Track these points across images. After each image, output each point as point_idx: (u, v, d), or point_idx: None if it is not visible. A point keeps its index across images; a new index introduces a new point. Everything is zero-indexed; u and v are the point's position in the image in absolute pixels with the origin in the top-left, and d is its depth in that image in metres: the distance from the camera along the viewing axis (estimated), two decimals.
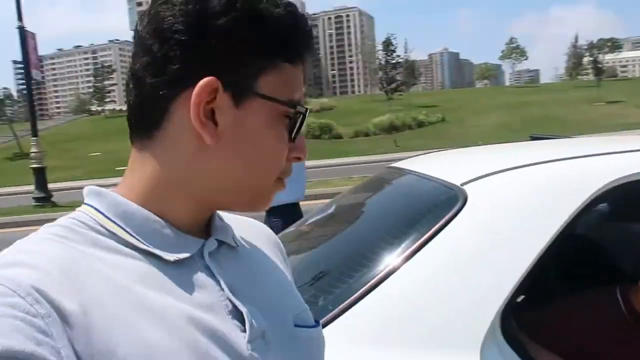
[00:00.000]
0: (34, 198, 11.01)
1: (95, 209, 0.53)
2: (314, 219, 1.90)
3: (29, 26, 11.67)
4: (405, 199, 1.57)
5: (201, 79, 0.50)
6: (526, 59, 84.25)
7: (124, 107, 0.59)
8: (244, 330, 0.53)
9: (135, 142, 0.55)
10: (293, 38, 0.54)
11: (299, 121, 0.56)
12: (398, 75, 38.66)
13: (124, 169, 0.57)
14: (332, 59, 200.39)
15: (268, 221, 4.11)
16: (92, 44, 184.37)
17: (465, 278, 1.05)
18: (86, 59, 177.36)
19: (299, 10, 0.56)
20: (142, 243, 0.52)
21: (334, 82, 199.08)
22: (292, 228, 1.94)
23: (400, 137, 27.81)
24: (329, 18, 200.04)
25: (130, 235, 0.52)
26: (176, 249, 0.53)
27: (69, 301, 0.44)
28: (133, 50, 0.54)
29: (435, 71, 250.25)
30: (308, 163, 20.37)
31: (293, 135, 0.55)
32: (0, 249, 0.52)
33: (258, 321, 0.54)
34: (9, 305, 0.42)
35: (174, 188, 0.54)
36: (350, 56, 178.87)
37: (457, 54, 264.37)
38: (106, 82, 67.05)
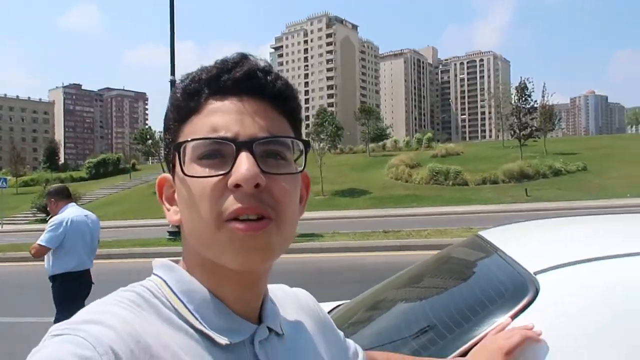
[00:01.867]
0: (168, 232, 12.12)
1: (165, 281, 0.58)
2: (401, 275, 1.89)
3: None
4: (479, 278, 1.40)
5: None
6: None
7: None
8: None
9: None
10: (190, 97, 0.58)
11: (209, 151, 0.55)
12: (533, 121, 36.33)
13: None
14: (463, 104, 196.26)
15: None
16: None
17: None
18: None
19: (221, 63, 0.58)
20: (200, 323, 0.55)
21: (464, 127, 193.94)
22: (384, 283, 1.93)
23: (533, 186, 25.81)
24: (462, 63, 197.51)
25: (190, 312, 0.56)
26: (229, 332, 0.56)
27: None
28: None
29: (577, 116, 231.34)
30: (428, 210, 19.93)
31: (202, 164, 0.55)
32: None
33: None
34: (85, 358, 0.44)
35: (200, 266, 0.58)
36: (482, 101, 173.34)
37: (605, 97, 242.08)
38: None
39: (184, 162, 0.55)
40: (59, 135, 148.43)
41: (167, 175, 0.62)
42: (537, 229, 1.66)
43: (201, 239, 0.55)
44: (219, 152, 0.54)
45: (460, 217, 17.77)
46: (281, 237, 0.55)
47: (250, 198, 0.52)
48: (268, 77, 0.58)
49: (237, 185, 0.52)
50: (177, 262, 0.62)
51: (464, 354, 0.98)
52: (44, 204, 27.82)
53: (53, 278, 3.98)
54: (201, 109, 0.57)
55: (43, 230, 4.04)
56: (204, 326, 0.55)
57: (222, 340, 0.55)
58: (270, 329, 0.60)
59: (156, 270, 0.61)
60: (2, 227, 24.95)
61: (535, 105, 36.00)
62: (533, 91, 35.68)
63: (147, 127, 42.96)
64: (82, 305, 3.68)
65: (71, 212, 4.08)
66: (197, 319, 0.55)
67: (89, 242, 4.12)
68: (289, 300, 0.72)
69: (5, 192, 27.04)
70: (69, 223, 3.97)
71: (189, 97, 0.58)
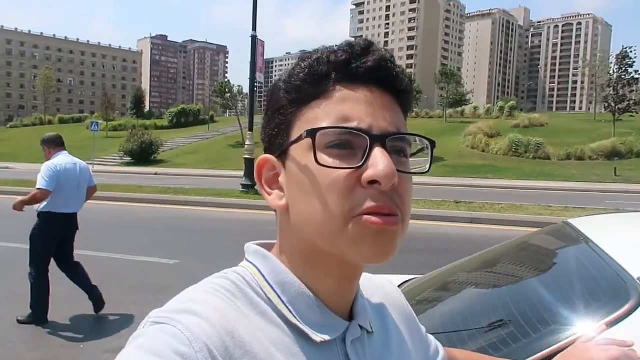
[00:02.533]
0: (241, 184, 12.53)
1: (259, 270, 0.57)
2: (476, 258, 1.81)
3: (268, 33, 13.30)
4: (568, 274, 1.30)
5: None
6: None
7: None
8: None
9: None
10: (316, 80, 0.54)
11: (339, 141, 0.51)
12: (632, 94, 33.17)
13: None
14: (553, 71, 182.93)
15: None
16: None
17: None
18: None
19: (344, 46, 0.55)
20: (294, 317, 0.53)
21: (552, 97, 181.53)
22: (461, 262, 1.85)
23: (624, 165, 23.87)
24: (556, 26, 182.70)
25: (284, 305, 0.54)
26: (322, 329, 0.54)
27: None
28: None
29: None
30: (504, 182, 19.15)
31: (333, 158, 0.51)
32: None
33: None
34: (181, 355, 0.44)
35: (303, 257, 0.56)
36: (576, 69, 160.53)
37: None
38: None
39: (316, 149, 0.51)
40: (145, 84, 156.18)
41: (269, 156, 0.58)
42: (638, 223, 1.50)
43: (324, 232, 0.51)
44: (349, 144, 0.51)
45: (539, 192, 16.89)
46: (403, 236, 0.53)
47: (385, 197, 0.50)
48: (396, 70, 0.55)
49: (373, 182, 0.50)
50: (267, 246, 0.60)
51: (548, 359, 0.91)
52: (131, 148, 29.83)
53: (39, 214, 4.30)
54: (328, 94, 0.53)
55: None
56: (299, 321, 0.53)
57: (317, 337, 0.53)
58: (361, 327, 0.58)
59: (249, 256, 0.59)
60: (93, 167, 26.98)
61: (637, 77, 32.82)
62: (635, 61, 32.46)
63: (226, 80, 44.04)
64: (55, 244, 4.19)
65: (62, 159, 4.35)
66: (291, 312, 0.54)
67: (76, 188, 4.38)
68: (376, 292, 0.68)
69: (97, 135, 29.11)
70: (60, 168, 4.25)
71: (315, 79, 0.54)
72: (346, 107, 0.52)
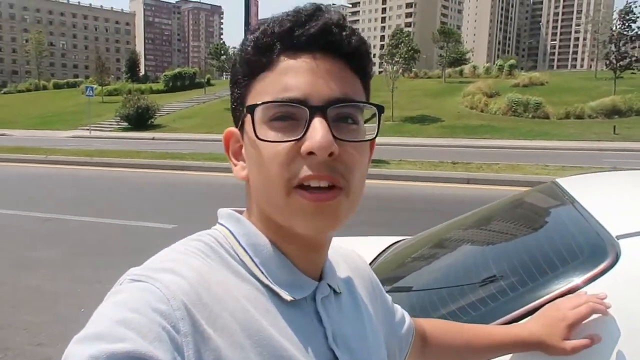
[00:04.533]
0: None
1: (232, 233, 0.58)
2: (470, 215, 1.83)
3: None
4: (551, 233, 1.32)
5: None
6: None
7: None
8: None
9: None
10: (261, 52, 0.55)
11: (280, 113, 0.52)
12: (635, 50, 32.68)
13: None
14: (555, 28, 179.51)
15: None
16: None
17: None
18: None
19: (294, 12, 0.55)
20: (266, 277, 0.55)
21: (553, 54, 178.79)
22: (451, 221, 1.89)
23: (623, 123, 23.74)
24: None
25: (256, 266, 0.56)
26: (293, 288, 0.56)
27: (208, 325, 0.47)
28: None
29: None
30: (502, 142, 19.20)
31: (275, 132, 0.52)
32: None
33: None
34: (159, 312, 0.45)
35: (269, 224, 0.57)
36: (578, 25, 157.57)
37: None
38: None
39: (255, 124, 0.53)
40: (140, 47, 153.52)
41: (234, 129, 0.60)
42: (624, 183, 1.51)
43: (270, 203, 0.54)
44: (291, 115, 0.52)
45: (536, 152, 16.91)
46: (349, 205, 0.54)
47: (322, 166, 0.51)
48: (343, 33, 0.54)
49: (310, 153, 0.50)
50: (240, 212, 0.62)
51: (523, 317, 0.93)
52: (127, 113, 29.62)
53: None
54: (273, 66, 0.54)
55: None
56: (270, 281, 0.55)
57: (287, 296, 0.55)
58: (329, 287, 0.60)
59: (222, 220, 0.60)
60: (90, 132, 26.87)
61: (639, 33, 32.23)
62: (639, 17, 31.79)
63: (221, 42, 43.20)
64: None
65: None
66: (263, 272, 0.55)
67: None
68: (342, 260, 0.70)
69: (92, 100, 28.79)
70: None
71: (261, 51, 0.55)
72: (288, 77, 0.53)
